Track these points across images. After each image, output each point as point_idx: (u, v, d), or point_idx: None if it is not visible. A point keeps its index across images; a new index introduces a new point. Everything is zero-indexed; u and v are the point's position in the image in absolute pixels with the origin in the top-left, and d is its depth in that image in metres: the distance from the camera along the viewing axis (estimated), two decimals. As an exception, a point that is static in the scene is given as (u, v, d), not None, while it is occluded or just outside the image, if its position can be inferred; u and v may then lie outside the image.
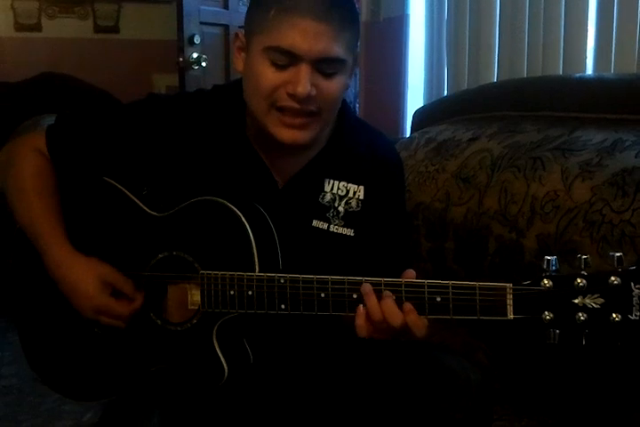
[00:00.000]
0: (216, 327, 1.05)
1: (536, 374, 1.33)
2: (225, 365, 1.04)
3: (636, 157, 1.21)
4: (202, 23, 2.83)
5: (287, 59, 0.98)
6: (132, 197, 1.13)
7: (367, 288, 0.94)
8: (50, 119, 1.21)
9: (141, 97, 1.18)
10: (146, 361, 1.10)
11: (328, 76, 1.00)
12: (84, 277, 1.08)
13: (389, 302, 0.93)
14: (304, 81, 0.97)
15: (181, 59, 2.77)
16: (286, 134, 1.02)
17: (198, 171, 1.10)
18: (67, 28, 3.29)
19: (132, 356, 1.12)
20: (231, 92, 1.11)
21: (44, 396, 1.53)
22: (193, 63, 2.81)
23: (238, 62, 1.07)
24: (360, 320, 0.94)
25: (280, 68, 0.99)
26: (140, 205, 1.12)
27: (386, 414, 1.04)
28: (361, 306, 0.94)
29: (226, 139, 1.10)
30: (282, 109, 1.01)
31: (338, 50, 0.98)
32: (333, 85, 1.01)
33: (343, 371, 1.10)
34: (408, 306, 0.92)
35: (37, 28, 3.26)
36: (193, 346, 1.06)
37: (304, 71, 0.97)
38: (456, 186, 1.56)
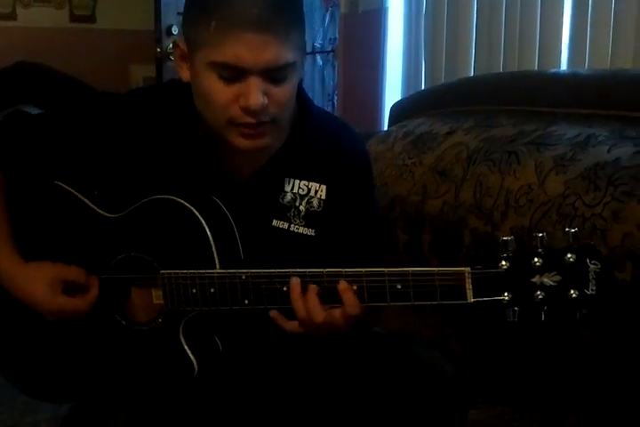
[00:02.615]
0: (182, 325, 1.04)
1: (509, 360, 1.35)
2: (194, 361, 1.04)
3: (608, 151, 1.24)
4: (180, 13, 2.80)
5: (234, 72, 0.94)
6: (84, 200, 1.11)
7: (294, 281, 0.95)
8: (31, 110, 1.18)
9: (118, 88, 1.15)
10: (114, 363, 1.09)
11: (279, 81, 0.96)
12: (33, 284, 1.07)
13: (312, 297, 0.94)
14: (255, 93, 0.94)
15: (159, 49, 2.76)
16: (245, 143, 1.00)
17: (152, 170, 1.08)
18: (42, 16, 3.25)
19: (100, 358, 1.11)
20: (186, 88, 1.05)
21: (20, 388, 1.51)
22: (170, 54, 2.79)
23: (183, 72, 1.02)
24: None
25: (229, 80, 0.95)
26: (93, 206, 1.10)
27: (361, 406, 1.05)
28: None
29: (180, 137, 1.08)
30: (238, 125, 0.98)
31: (287, 55, 0.94)
32: (285, 90, 0.98)
33: (317, 362, 1.10)
34: (343, 284, 0.94)
35: (12, 16, 3.22)
36: (160, 345, 1.06)
37: (254, 83, 0.94)
38: (433, 179, 1.58)
